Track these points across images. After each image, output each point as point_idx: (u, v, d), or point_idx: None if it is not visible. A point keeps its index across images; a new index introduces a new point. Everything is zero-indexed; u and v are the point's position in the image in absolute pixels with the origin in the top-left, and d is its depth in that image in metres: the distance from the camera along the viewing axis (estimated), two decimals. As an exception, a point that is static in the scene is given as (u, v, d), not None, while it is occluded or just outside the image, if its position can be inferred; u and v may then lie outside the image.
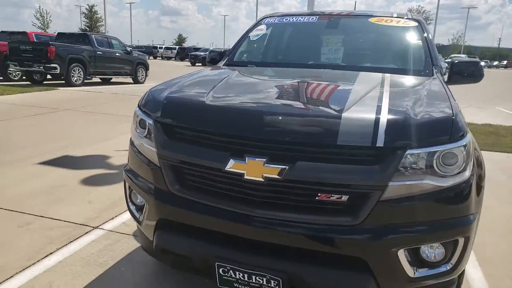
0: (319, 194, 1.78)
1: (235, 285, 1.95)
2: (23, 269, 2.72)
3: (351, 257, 1.78)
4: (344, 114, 1.84)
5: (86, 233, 3.28)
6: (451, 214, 1.85)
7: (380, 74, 2.72)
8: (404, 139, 1.76)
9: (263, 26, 3.62)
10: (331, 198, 1.78)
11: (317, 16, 3.57)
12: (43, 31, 45.87)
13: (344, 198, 1.76)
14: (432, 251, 1.87)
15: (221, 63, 3.44)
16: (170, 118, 2.09)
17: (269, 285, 1.86)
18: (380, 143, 1.73)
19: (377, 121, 1.78)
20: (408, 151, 1.73)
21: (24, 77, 14.76)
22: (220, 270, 1.94)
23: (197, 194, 1.99)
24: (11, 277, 2.64)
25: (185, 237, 2.03)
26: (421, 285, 1.90)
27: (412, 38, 3.20)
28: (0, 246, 3.02)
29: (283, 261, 1.85)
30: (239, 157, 1.84)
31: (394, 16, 3.41)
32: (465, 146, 1.83)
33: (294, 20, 3.63)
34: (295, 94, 2.32)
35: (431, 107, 1.98)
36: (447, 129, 1.82)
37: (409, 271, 1.81)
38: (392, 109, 1.89)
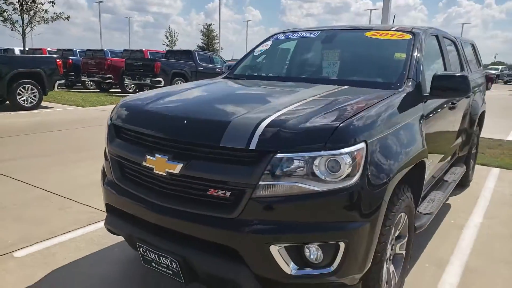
0: (208, 189, 2.03)
1: (153, 264, 2.27)
2: (42, 241, 3.39)
3: (229, 247, 1.98)
4: (235, 120, 2.06)
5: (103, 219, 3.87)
6: (329, 218, 1.93)
7: (328, 87, 2.82)
8: (276, 144, 1.92)
9: (269, 42, 3.88)
10: (217, 193, 2.01)
11: (319, 32, 3.72)
12: (170, 48, 51.06)
13: (227, 194, 1.98)
14: (314, 252, 1.96)
15: (221, 76, 3.78)
16: (116, 120, 2.53)
17: (172, 266, 2.15)
18: (253, 146, 1.92)
19: (257, 126, 1.97)
20: (279, 155, 1.88)
21: (137, 90, 16.87)
22: (141, 250, 2.28)
23: (128, 184, 2.38)
24: (30, 245, 3.31)
25: (119, 220, 2.43)
26: (304, 283, 2.00)
27: (395, 51, 3.16)
28: (37, 222, 3.76)
29: (178, 245, 2.13)
30: (151, 154, 2.18)
31: (392, 29, 3.38)
32: (349, 154, 1.90)
33: (296, 35, 3.82)
34: (220, 101, 2.57)
35: (326, 117, 2.07)
36: (325, 137, 1.91)
37: (285, 268, 1.94)
38: (279, 117, 2.05)
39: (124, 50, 19.60)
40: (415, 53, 3.03)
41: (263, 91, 3.02)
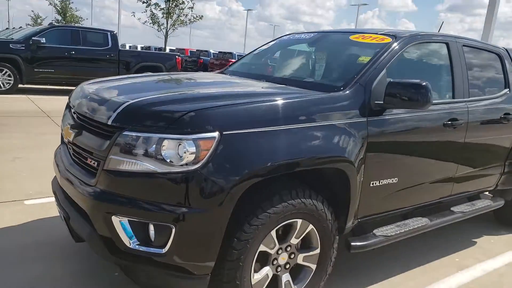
0: (87, 158, 2.27)
1: (60, 219, 2.59)
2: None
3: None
4: (113, 99, 2.27)
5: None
6: (164, 199, 2.00)
7: (263, 84, 2.90)
8: (127, 122, 2.07)
9: (271, 43, 3.92)
10: (90, 162, 2.23)
11: (314, 34, 3.62)
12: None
13: (95, 163, 2.19)
14: (152, 231, 2.05)
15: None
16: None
17: (64, 222, 2.46)
18: (110, 121, 2.10)
19: (121, 105, 2.15)
20: (126, 132, 2.02)
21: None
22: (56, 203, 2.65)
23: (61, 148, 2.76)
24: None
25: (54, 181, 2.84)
26: (140, 257, 2.08)
27: (361, 54, 2.92)
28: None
29: (67, 204, 2.41)
30: (67, 124, 2.52)
31: (379, 33, 3.13)
32: (193, 140, 1.95)
33: (294, 37, 3.78)
34: (135, 88, 2.77)
35: (189, 104, 2.14)
36: (171, 121, 1.99)
37: (125, 239, 2.06)
38: (144, 99, 2.18)
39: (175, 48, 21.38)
40: (381, 58, 2.77)
41: (190, 83, 3.12)
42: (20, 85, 10.86)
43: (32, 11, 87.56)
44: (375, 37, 3.07)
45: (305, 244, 2.47)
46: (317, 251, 2.49)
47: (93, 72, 10.72)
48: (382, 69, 2.71)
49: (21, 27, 19.26)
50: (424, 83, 2.53)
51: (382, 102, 2.62)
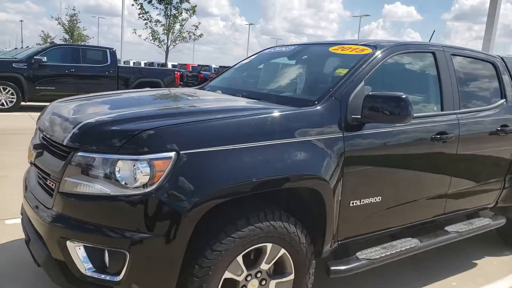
0: (47, 180, 2.15)
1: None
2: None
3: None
4: (72, 118, 2.17)
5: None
6: (118, 224, 1.87)
7: (233, 98, 2.83)
8: (81, 142, 1.96)
9: (252, 57, 3.81)
10: (49, 183, 2.11)
11: (294, 47, 3.50)
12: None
13: (53, 185, 2.06)
14: (107, 258, 1.91)
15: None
16: None
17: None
18: (65, 142, 2.00)
19: (77, 125, 2.05)
20: (80, 153, 1.91)
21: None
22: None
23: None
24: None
25: None
26: (96, 285, 1.93)
27: (339, 67, 2.78)
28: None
29: (30, 226, 2.28)
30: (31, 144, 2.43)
31: (359, 43, 2.99)
32: (147, 161, 1.83)
33: (275, 50, 3.66)
34: (98, 106, 2.63)
35: (145, 122, 2.02)
36: (124, 141, 1.88)
37: (80, 266, 1.93)
38: (100, 119, 2.07)
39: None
40: (359, 70, 2.62)
41: (158, 100, 3.00)
42: (22, 103, 10.91)
43: (42, 31, 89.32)
44: (355, 48, 2.92)
45: (278, 270, 2.31)
46: (291, 276, 2.32)
47: (93, 89, 10.74)
48: (360, 81, 2.56)
49: (28, 46, 19.61)
50: (403, 96, 2.38)
51: (360, 116, 2.47)
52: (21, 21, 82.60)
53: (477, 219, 3.55)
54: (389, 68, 2.90)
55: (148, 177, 1.82)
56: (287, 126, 2.26)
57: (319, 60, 3.21)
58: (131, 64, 36.49)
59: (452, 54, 3.23)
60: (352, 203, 2.53)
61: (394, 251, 2.79)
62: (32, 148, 2.33)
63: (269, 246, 2.18)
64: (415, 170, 2.88)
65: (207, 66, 24.25)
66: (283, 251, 2.24)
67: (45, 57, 11.04)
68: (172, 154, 1.85)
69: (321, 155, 2.30)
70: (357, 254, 2.67)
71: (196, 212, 1.87)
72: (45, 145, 2.26)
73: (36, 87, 10.94)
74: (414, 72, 3.19)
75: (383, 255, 2.73)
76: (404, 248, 2.86)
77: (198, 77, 20.64)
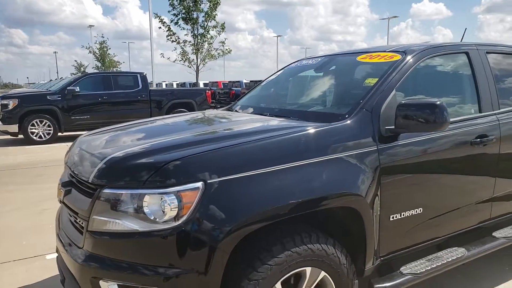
0: (77, 218, 2.16)
1: None
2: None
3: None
4: (96, 154, 2.17)
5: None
6: (150, 260, 1.84)
7: (259, 118, 2.77)
8: (107, 179, 1.95)
9: (279, 72, 3.76)
10: (79, 221, 2.12)
11: (320, 59, 3.42)
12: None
13: (83, 224, 2.07)
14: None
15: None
16: None
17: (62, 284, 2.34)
18: (91, 179, 1.99)
19: (101, 161, 2.04)
20: (106, 190, 1.90)
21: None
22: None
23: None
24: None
25: None
26: None
27: (368, 76, 2.67)
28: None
29: (64, 266, 2.28)
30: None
31: (387, 50, 2.88)
32: (174, 193, 1.80)
33: (301, 64, 3.59)
34: (128, 137, 2.58)
35: (168, 153, 1.97)
36: (149, 174, 1.85)
37: None
38: (123, 153, 2.05)
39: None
40: (389, 78, 2.52)
41: (183, 126, 2.99)
42: (59, 134, 11.31)
43: (76, 60, 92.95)
44: (383, 55, 2.82)
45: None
46: (337, 302, 2.22)
47: (127, 114, 11.06)
48: (391, 90, 2.47)
49: (61, 77, 20.38)
50: (438, 102, 2.27)
51: (393, 127, 2.37)
52: (55, 52, 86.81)
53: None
54: (422, 73, 2.79)
55: (176, 210, 1.79)
56: (318, 144, 2.18)
57: (347, 70, 3.12)
58: (164, 86, 37.36)
59: (487, 52, 3.07)
60: (393, 217, 2.42)
61: (440, 263, 2.65)
62: (61, 186, 2.34)
63: (308, 270, 2.10)
64: (456, 177, 2.74)
65: (238, 82, 24.39)
66: (323, 273, 2.15)
67: (77, 87, 11.43)
68: (200, 184, 1.82)
69: (355, 170, 2.21)
70: (401, 269, 2.55)
71: (228, 242, 1.82)
72: (73, 183, 2.28)
73: (71, 117, 11.33)
74: (448, 74, 3.04)
75: (429, 268, 2.59)
76: (450, 259, 2.70)
77: (229, 94, 20.80)
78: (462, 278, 3.27)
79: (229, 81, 26.31)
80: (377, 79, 2.56)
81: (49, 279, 3.35)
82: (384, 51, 2.88)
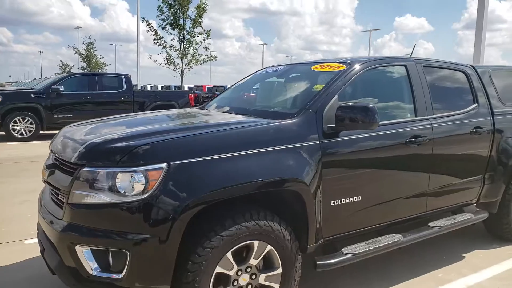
0: (58, 195, 2.52)
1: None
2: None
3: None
4: (79, 139, 2.53)
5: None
6: (119, 227, 2.21)
7: (225, 115, 3.21)
8: (86, 159, 2.32)
9: (248, 77, 4.19)
10: (60, 197, 2.48)
11: (283, 67, 3.90)
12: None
13: (63, 199, 2.42)
14: (111, 258, 2.24)
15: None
16: None
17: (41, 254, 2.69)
18: (73, 159, 2.37)
19: (82, 144, 2.41)
20: (85, 168, 2.27)
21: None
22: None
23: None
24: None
25: None
26: (103, 283, 2.26)
27: (318, 83, 3.12)
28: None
29: (44, 237, 2.63)
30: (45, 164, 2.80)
31: (337, 61, 3.32)
32: (142, 172, 2.18)
33: (267, 71, 4.06)
34: (107, 127, 3.00)
35: (140, 138, 2.37)
36: (122, 155, 2.24)
37: (87, 267, 2.26)
38: (102, 138, 2.43)
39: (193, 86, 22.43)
40: (333, 85, 2.95)
41: (156, 119, 3.37)
42: (41, 131, 11.48)
43: (61, 60, 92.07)
44: (332, 65, 3.26)
45: (267, 264, 2.60)
46: (279, 270, 2.61)
47: (110, 114, 11.03)
48: (334, 95, 2.89)
49: (46, 76, 20.46)
50: (370, 105, 2.70)
51: (334, 125, 2.79)
52: (40, 52, 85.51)
53: (459, 215, 3.80)
54: (365, 81, 3.23)
55: (143, 185, 2.17)
56: (268, 136, 2.60)
57: (302, 78, 3.58)
58: (149, 88, 37.56)
59: (424, 66, 3.55)
60: (333, 203, 2.83)
61: (377, 246, 3.06)
62: (45, 168, 2.70)
63: (256, 243, 2.48)
64: (392, 172, 3.17)
65: (222, 86, 25.02)
66: (269, 247, 2.54)
67: (62, 86, 11.62)
68: (164, 165, 2.20)
69: (299, 160, 2.62)
70: (343, 249, 2.95)
71: (185, 215, 2.20)
72: (56, 165, 2.62)
73: (54, 116, 11.50)
74: (387, 83, 3.50)
75: (367, 249, 2.99)
76: (387, 243, 3.12)
77: (213, 97, 21.49)
78: (403, 264, 3.70)
79: (213, 86, 26.83)
80: (323, 85, 3.00)
81: (28, 260, 3.65)
82: (334, 62, 3.32)
